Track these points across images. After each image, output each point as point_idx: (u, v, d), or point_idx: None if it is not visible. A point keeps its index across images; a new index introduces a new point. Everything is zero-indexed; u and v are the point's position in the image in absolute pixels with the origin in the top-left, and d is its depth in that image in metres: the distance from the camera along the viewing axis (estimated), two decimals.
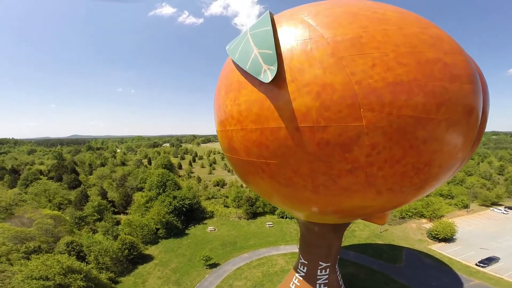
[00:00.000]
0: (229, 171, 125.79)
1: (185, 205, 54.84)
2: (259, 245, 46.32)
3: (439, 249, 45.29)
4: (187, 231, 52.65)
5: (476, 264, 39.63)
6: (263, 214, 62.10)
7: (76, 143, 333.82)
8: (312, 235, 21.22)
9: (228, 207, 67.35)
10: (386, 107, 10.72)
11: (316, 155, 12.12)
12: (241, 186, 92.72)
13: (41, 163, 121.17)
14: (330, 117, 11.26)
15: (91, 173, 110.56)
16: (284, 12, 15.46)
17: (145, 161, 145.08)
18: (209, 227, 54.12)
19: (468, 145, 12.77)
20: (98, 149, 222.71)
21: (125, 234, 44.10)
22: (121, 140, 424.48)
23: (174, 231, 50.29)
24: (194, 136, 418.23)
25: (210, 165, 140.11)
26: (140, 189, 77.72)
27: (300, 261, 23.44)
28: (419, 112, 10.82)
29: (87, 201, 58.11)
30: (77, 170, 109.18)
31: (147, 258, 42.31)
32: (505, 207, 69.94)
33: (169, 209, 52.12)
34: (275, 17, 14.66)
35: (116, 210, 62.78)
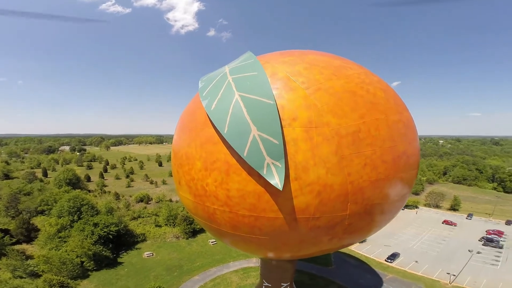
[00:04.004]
0: (151, 183, 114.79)
1: (111, 232, 47.67)
2: (208, 265, 44.96)
3: (357, 249, 54.07)
4: (120, 260, 46.23)
5: (386, 260, 49.20)
6: (203, 231, 59.27)
7: None
8: (271, 266, 23.12)
9: (160, 226, 61.89)
10: (365, 200, 12.63)
11: (306, 234, 13.33)
12: (170, 200, 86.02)
13: None
14: (325, 210, 12.35)
15: None
16: (272, 63, 14.07)
17: (39, 173, 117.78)
18: (145, 252, 48.78)
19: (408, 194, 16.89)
20: None
21: (44, 272, 35.93)
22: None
23: (105, 262, 43.35)
24: (102, 138, 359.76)
25: (127, 176, 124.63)
26: (41, 212, 63.43)
27: (264, 284, 24.73)
28: (382, 200, 13.32)
29: None
30: None
31: None
32: None
33: (93, 239, 44.59)
34: (265, 70, 13.18)
35: (14, 240, 48.96)
